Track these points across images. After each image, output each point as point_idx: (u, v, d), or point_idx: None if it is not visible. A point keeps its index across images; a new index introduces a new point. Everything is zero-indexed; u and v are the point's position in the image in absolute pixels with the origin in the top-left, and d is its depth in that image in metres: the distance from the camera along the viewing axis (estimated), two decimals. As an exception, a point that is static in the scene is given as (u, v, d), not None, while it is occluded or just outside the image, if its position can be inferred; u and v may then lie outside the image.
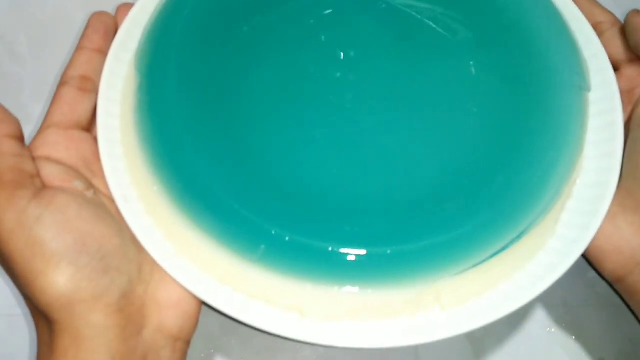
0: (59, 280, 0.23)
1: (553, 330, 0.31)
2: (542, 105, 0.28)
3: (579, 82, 0.29)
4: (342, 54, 0.30)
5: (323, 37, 0.31)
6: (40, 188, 0.25)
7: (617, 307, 0.31)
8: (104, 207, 0.26)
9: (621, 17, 0.32)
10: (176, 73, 0.29)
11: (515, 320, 0.31)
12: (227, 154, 0.27)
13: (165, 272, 0.26)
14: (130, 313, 0.25)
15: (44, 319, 0.24)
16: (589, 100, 0.29)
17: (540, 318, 0.31)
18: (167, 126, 0.28)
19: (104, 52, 0.30)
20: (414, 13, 0.31)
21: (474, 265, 0.26)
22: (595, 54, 0.30)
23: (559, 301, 0.32)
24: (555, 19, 0.31)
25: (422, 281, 0.25)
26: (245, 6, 0.31)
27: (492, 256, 0.26)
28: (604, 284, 0.32)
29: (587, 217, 0.27)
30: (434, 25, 0.31)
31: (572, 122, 0.28)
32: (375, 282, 0.25)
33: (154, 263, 0.26)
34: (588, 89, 0.29)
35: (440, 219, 0.26)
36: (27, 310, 0.31)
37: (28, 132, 0.35)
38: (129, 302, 0.25)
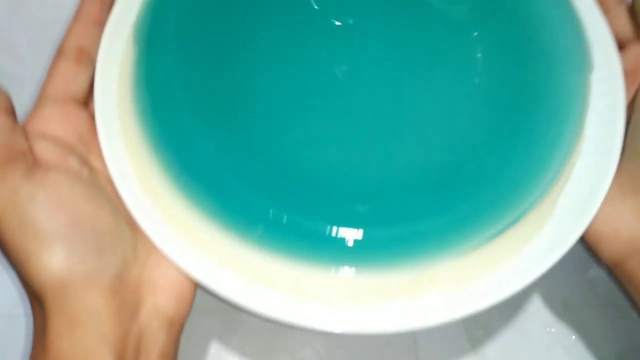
0: (52, 261, 0.23)
1: (553, 330, 0.31)
2: (543, 85, 0.28)
3: (582, 61, 0.29)
4: (340, 24, 0.30)
5: (332, 20, 0.31)
6: (33, 165, 0.24)
7: (617, 307, 0.31)
8: (98, 186, 0.26)
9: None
10: (174, 47, 0.28)
11: (515, 320, 0.31)
12: (226, 132, 0.27)
13: (160, 253, 0.25)
14: (125, 295, 0.24)
15: (37, 301, 0.24)
16: (591, 81, 0.29)
17: (540, 318, 0.31)
18: (165, 103, 0.27)
19: (101, 24, 0.29)
20: None
21: (471, 249, 0.25)
22: (599, 33, 0.30)
23: (559, 301, 0.32)
24: None
25: (418, 264, 0.25)
26: None
27: (489, 239, 0.26)
28: (604, 283, 0.32)
29: (586, 200, 0.27)
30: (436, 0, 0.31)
31: (573, 103, 0.28)
32: (372, 265, 0.25)
33: (149, 244, 0.25)
34: (590, 69, 0.29)
35: (437, 201, 0.26)
36: (28, 310, 0.31)
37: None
38: (123, 283, 0.24)
